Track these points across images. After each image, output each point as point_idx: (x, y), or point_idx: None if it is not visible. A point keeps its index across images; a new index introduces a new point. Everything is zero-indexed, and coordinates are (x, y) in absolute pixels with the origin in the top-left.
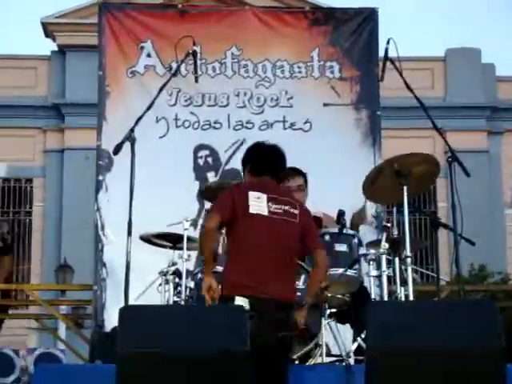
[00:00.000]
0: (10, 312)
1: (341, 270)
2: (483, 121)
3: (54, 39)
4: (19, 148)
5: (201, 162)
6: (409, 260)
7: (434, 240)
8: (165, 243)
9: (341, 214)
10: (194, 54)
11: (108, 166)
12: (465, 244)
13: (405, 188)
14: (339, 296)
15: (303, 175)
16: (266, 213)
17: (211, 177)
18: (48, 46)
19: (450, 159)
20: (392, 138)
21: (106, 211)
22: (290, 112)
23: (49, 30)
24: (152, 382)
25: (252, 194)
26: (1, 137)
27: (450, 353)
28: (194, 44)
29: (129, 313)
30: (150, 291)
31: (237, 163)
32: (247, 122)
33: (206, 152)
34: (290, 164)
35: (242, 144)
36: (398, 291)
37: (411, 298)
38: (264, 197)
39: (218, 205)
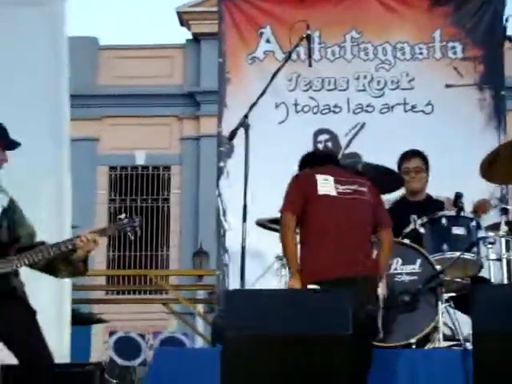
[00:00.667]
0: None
1: (458, 254)
2: None
3: (188, 28)
4: (157, 136)
5: (320, 146)
6: None
7: None
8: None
9: (458, 196)
10: (308, 38)
11: (229, 152)
12: None
13: None
14: (458, 280)
15: (422, 157)
16: (334, 193)
17: None
18: (183, 35)
19: None
20: None
21: (228, 197)
22: (411, 94)
23: (184, 18)
24: (256, 366)
25: (320, 177)
26: (139, 125)
27: None
28: (308, 28)
29: (234, 297)
30: (268, 276)
31: (357, 147)
32: (367, 106)
33: (326, 136)
34: (411, 147)
35: (361, 127)
36: None
37: None
38: (331, 179)
39: (287, 201)
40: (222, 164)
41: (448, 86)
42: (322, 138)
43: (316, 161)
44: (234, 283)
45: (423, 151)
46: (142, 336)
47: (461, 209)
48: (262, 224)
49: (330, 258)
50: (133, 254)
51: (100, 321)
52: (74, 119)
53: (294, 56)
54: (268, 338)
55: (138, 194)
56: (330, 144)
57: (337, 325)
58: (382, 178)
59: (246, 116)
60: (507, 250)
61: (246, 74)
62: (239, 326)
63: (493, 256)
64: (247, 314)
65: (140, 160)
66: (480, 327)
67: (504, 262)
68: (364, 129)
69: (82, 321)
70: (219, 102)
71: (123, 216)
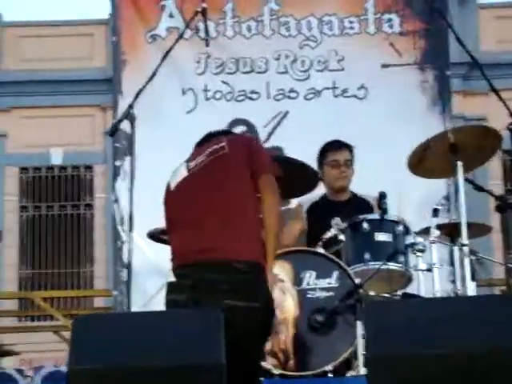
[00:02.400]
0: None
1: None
2: None
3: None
4: (76, 130)
5: None
6: (465, 249)
7: (504, 224)
8: None
9: (382, 196)
10: (204, 12)
11: (127, 148)
12: None
13: (459, 164)
14: (384, 295)
15: (349, 149)
16: (184, 175)
17: None
18: (106, 9)
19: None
20: None
21: (126, 203)
22: (341, 76)
23: None
24: None
25: (170, 177)
26: (54, 118)
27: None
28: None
29: (83, 324)
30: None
31: (279, 140)
32: (290, 91)
33: (242, 128)
34: (342, 138)
35: (284, 117)
36: (457, 288)
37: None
38: (181, 165)
39: None
40: (118, 163)
41: (384, 65)
42: (238, 130)
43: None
44: (136, 304)
45: (350, 143)
46: (20, 371)
47: (385, 211)
48: (155, 236)
49: (175, 246)
50: (50, 271)
51: (8, 353)
52: None
53: (202, 33)
54: (116, 372)
55: (56, 199)
56: None
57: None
58: (295, 173)
59: (130, 106)
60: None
61: (146, 55)
62: (83, 358)
63: (423, 266)
64: (94, 343)
65: (56, 159)
66: (372, 351)
67: (435, 272)
68: (286, 118)
69: None
70: (114, 88)
71: None
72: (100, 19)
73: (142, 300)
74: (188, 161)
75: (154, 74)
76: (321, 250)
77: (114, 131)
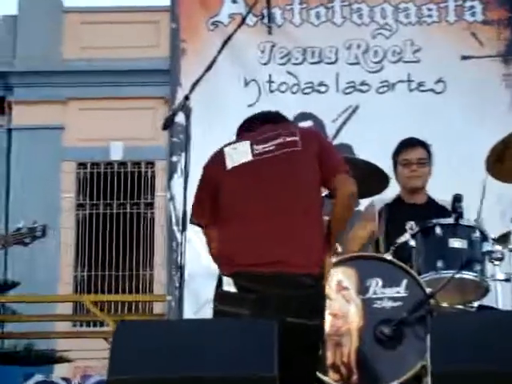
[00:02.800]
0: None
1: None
2: None
3: None
4: (138, 124)
5: None
6: None
7: None
8: None
9: (457, 199)
10: None
11: (184, 143)
12: None
13: None
14: (458, 307)
15: (425, 147)
16: (249, 158)
17: None
18: None
19: None
20: None
21: (181, 200)
22: (418, 68)
23: None
24: None
25: (227, 150)
26: (115, 110)
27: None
28: None
29: (121, 332)
30: None
31: (348, 137)
32: (361, 84)
33: (309, 123)
34: (417, 135)
35: (354, 111)
36: None
37: None
38: (245, 143)
39: (193, 203)
40: (174, 159)
41: (464, 57)
42: (304, 124)
43: (243, 127)
44: (189, 311)
45: (426, 141)
46: (67, 380)
47: (460, 215)
48: None
49: (232, 244)
50: (107, 273)
51: (62, 359)
52: (30, 102)
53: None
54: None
55: (114, 197)
56: None
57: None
58: (363, 176)
59: (186, 97)
60: None
61: (207, 43)
62: (122, 368)
63: (500, 276)
64: (133, 352)
65: (116, 154)
66: (438, 367)
67: None
68: (357, 113)
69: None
70: (171, 79)
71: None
72: (165, 6)
73: (196, 306)
74: (253, 143)
75: (212, 63)
76: (388, 257)
77: (167, 125)
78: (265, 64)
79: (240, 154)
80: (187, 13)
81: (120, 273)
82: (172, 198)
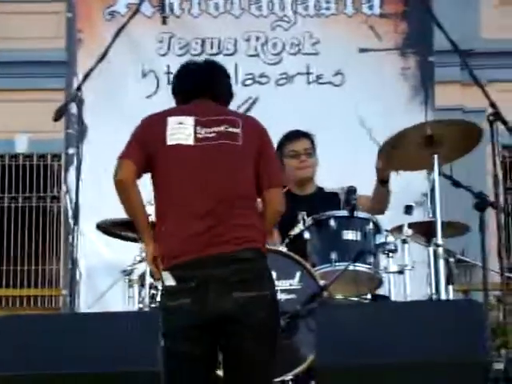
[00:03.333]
0: None
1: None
2: None
3: None
4: (42, 116)
5: None
6: (440, 250)
7: (481, 223)
8: (129, 234)
9: (350, 191)
10: None
11: (80, 134)
12: None
13: (435, 157)
14: (353, 298)
15: (309, 138)
16: (190, 141)
17: None
18: None
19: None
20: None
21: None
22: (316, 61)
23: None
24: None
25: (172, 120)
26: (18, 102)
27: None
28: None
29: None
30: (112, 295)
31: None
32: (260, 76)
33: None
34: (316, 127)
35: (253, 103)
36: (432, 291)
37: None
38: (189, 120)
39: (125, 148)
40: (71, 151)
41: (362, 50)
42: None
43: (184, 93)
44: (84, 305)
45: (309, 132)
46: None
47: (354, 208)
48: (104, 228)
49: (175, 233)
50: (12, 268)
51: None
52: None
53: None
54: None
55: (20, 190)
56: None
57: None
58: None
59: (78, 88)
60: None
61: (103, 34)
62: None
63: (393, 268)
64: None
65: (21, 147)
66: (322, 361)
67: (407, 274)
68: (256, 105)
69: None
70: (68, 70)
71: None
72: None
73: (93, 300)
74: (196, 124)
75: (105, 53)
76: (282, 249)
77: (59, 116)
78: (163, 55)
79: (182, 134)
80: (84, 2)
81: (26, 267)
82: (68, 191)
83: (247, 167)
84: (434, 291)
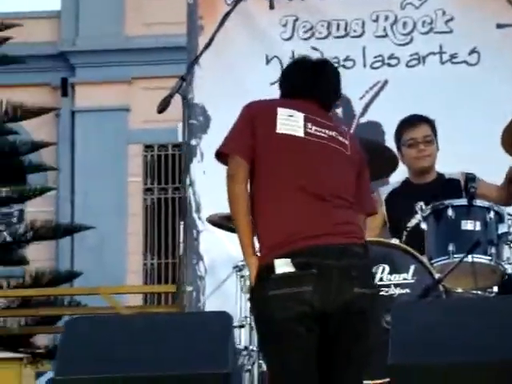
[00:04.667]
0: None
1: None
2: None
3: None
4: None
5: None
6: None
7: None
8: None
9: (469, 178)
10: None
11: (203, 125)
12: None
13: None
14: (474, 292)
15: (430, 123)
16: (301, 134)
17: None
18: None
19: None
20: None
21: (202, 186)
22: (450, 39)
23: None
24: None
25: (282, 111)
26: None
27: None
28: None
29: (74, 328)
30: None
31: (377, 114)
32: (390, 57)
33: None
34: (449, 112)
35: (383, 87)
36: None
37: None
38: (300, 115)
39: (231, 139)
40: (193, 142)
41: (500, 25)
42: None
43: (291, 89)
44: (210, 303)
45: (429, 116)
46: None
47: (473, 196)
48: (217, 223)
49: (286, 223)
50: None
51: None
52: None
53: None
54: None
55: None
56: (339, 111)
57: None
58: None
59: (182, 78)
60: None
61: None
62: (71, 368)
63: None
64: (84, 351)
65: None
66: (397, 358)
67: None
68: (385, 89)
69: None
70: (188, 57)
71: None
72: None
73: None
74: (307, 120)
75: (210, 42)
76: (395, 241)
77: (163, 107)
78: (287, 39)
79: (293, 125)
80: None
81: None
82: (191, 184)
83: (353, 175)
84: None
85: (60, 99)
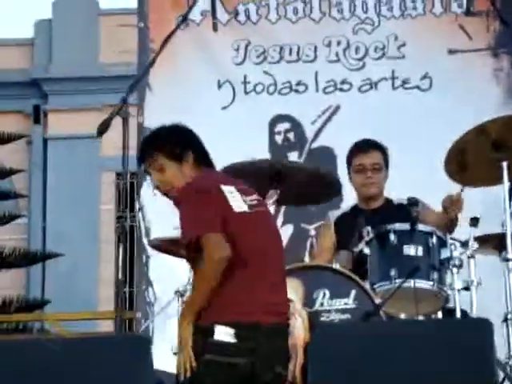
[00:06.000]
0: None
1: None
2: None
3: None
4: None
5: (279, 139)
6: (511, 264)
7: None
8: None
9: (412, 203)
10: None
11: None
12: None
13: (504, 164)
14: (419, 317)
15: (382, 150)
16: (245, 209)
17: (294, 158)
18: None
19: None
20: None
21: (152, 210)
22: (402, 65)
23: None
24: None
25: (225, 189)
26: None
27: None
28: None
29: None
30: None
31: (328, 139)
32: (342, 82)
33: (287, 125)
34: (402, 136)
35: (335, 112)
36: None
37: None
38: (233, 188)
39: (207, 220)
40: (143, 166)
41: (452, 51)
42: (282, 127)
43: (202, 157)
44: (158, 331)
45: (381, 142)
46: None
47: (415, 220)
48: (158, 246)
49: (238, 293)
50: None
51: None
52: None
53: (241, 17)
54: None
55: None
56: (291, 135)
57: None
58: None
59: (124, 100)
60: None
61: (178, 44)
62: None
63: (458, 284)
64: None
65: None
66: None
67: (473, 291)
68: (338, 113)
69: None
70: (138, 81)
71: None
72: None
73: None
74: (240, 192)
75: (151, 64)
76: (336, 266)
77: (103, 129)
78: (239, 64)
79: (238, 201)
80: (155, 10)
81: None
82: (141, 208)
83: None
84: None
85: (32, 126)
